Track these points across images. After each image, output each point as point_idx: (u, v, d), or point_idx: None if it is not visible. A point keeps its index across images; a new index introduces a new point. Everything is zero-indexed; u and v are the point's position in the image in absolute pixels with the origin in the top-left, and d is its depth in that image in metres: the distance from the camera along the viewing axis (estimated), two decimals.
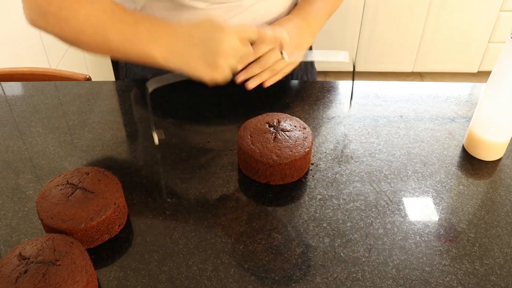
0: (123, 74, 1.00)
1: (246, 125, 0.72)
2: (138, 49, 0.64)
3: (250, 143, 0.68)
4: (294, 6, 0.89)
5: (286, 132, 0.69)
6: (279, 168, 0.67)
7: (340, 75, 2.71)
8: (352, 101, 0.87)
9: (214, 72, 0.64)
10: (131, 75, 0.97)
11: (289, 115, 0.73)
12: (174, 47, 0.64)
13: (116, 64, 2.33)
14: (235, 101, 0.84)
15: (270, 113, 0.74)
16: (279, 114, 0.73)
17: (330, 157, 0.74)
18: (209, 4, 0.78)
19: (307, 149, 0.68)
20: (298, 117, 0.82)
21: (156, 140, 0.73)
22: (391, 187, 0.69)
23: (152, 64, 0.65)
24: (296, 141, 0.68)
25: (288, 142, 0.68)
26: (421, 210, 0.66)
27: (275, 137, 0.69)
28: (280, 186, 0.69)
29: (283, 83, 0.93)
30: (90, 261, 0.53)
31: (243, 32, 0.64)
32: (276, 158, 0.66)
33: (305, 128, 0.71)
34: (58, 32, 0.67)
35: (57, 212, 0.58)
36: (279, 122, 0.71)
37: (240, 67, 0.70)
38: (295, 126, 0.70)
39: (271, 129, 0.70)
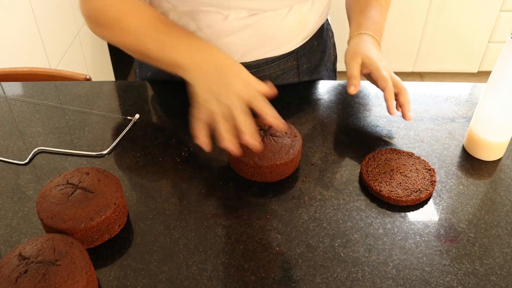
0: (136, 65, 1.02)
1: None
2: (170, 57, 0.69)
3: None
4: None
5: (274, 137, 0.70)
6: (260, 170, 0.68)
7: (340, 75, 2.71)
8: (352, 102, 0.87)
9: (201, 111, 0.65)
10: (142, 68, 0.98)
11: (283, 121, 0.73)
12: (197, 66, 0.67)
13: (116, 64, 2.33)
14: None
15: None
16: None
17: (330, 157, 0.74)
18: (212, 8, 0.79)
19: (291, 156, 0.68)
20: (298, 117, 0.83)
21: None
22: None
23: (180, 74, 0.69)
24: (281, 147, 0.69)
25: (272, 147, 0.69)
26: (421, 210, 0.66)
27: (261, 140, 0.70)
28: (280, 186, 0.69)
29: (285, 83, 0.93)
30: (90, 261, 0.53)
31: (253, 98, 0.64)
32: (257, 160, 0.67)
33: (295, 136, 0.71)
34: (105, 37, 0.77)
35: (57, 212, 0.58)
36: (271, 126, 0.72)
37: (225, 135, 0.63)
38: (285, 133, 0.71)
39: (261, 132, 0.71)
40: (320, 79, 0.96)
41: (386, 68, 0.76)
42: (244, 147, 0.69)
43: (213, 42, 0.83)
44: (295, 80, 0.94)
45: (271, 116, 0.65)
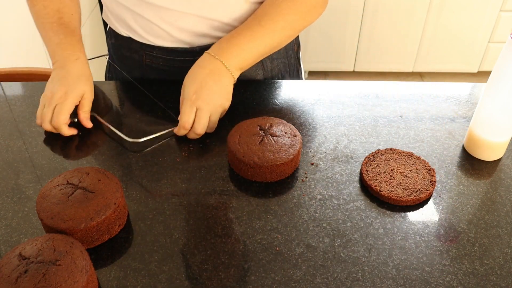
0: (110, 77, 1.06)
1: (239, 126, 0.74)
2: (50, 48, 0.85)
3: (237, 142, 0.70)
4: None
5: (274, 137, 0.71)
6: (260, 170, 0.68)
7: (340, 75, 2.71)
8: (352, 102, 0.87)
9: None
10: (110, 69, 1.03)
11: (283, 121, 0.74)
12: (54, 69, 0.81)
13: None
14: (236, 101, 0.84)
15: (267, 117, 0.75)
16: (274, 118, 0.74)
17: (330, 157, 0.74)
18: None
19: (291, 156, 0.68)
20: (298, 117, 0.83)
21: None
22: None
23: None
24: (281, 147, 0.69)
25: (272, 146, 0.69)
26: (421, 210, 0.66)
27: (261, 140, 0.70)
28: (280, 186, 0.69)
29: (285, 83, 0.93)
30: (90, 261, 0.53)
31: (58, 108, 0.77)
32: (257, 160, 0.67)
33: (295, 136, 0.71)
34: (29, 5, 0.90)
35: (57, 212, 0.58)
36: (271, 126, 0.72)
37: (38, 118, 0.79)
38: (285, 133, 0.72)
39: (261, 132, 0.72)
40: (286, 66, 0.98)
41: (192, 103, 0.75)
42: (244, 147, 0.69)
43: (160, 24, 0.85)
44: (259, 66, 0.93)
45: None
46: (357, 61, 2.64)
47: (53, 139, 0.79)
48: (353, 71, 2.70)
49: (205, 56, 0.79)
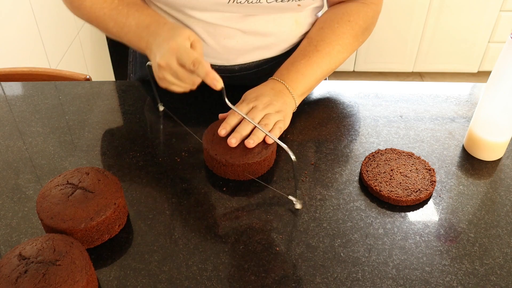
0: (130, 69, 1.03)
1: (214, 124, 0.74)
2: (129, 38, 0.75)
3: (210, 140, 0.70)
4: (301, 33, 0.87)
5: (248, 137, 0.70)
6: (231, 168, 0.68)
7: (340, 75, 2.71)
8: (352, 102, 0.87)
9: (157, 78, 0.70)
10: (136, 72, 0.99)
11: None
12: (151, 43, 0.70)
13: (116, 64, 2.33)
14: (236, 101, 0.84)
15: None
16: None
17: (330, 157, 0.74)
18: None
19: (264, 156, 0.68)
20: (298, 117, 0.83)
21: (161, 108, 0.83)
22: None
23: (140, 52, 0.75)
24: (255, 147, 0.69)
25: (245, 146, 0.69)
26: (421, 210, 0.66)
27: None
28: (280, 186, 0.69)
29: None
30: (90, 261, 0.53)
31: (181, 55, 0.64)
32: (229, 158, 0.68)
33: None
34: (79, 16, 0.81)
35: (57, 212, 0.58)
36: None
37: (176, 88, 0.70)
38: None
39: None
40: None
41: (250, 103, 0.73)
42: (217, 145, 0.69)
43: (207, 40, 0.83)
44: None
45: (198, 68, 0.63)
46: (357, 61, 2.64)
47: (52, 139, 0.79)
48: (353, 71, 2.70)
49: (269, 80, 0.79)
